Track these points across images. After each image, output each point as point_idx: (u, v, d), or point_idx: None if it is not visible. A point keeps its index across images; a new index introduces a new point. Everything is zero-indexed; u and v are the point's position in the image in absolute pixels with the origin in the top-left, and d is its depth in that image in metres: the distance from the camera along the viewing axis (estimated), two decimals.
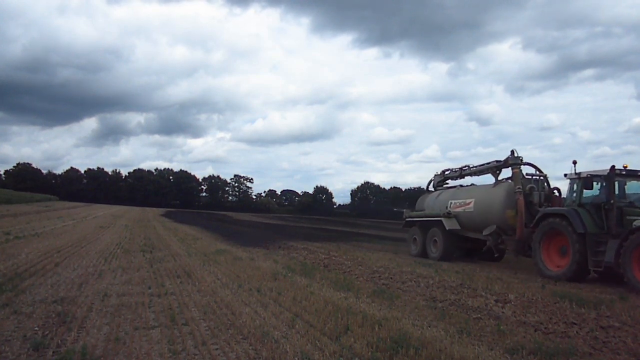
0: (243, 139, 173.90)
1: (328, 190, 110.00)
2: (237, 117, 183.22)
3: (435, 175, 20.60)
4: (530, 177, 15.63)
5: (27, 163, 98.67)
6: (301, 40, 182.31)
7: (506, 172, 16.19)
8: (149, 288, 9.52)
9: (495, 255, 16.60)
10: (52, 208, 47.98)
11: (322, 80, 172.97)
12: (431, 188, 20.72)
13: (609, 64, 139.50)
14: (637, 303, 9.13)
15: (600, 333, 6.88)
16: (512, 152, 15.70)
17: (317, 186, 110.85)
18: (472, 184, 18.42)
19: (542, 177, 15.71)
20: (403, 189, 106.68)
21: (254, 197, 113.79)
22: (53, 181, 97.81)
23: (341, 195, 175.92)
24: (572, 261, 12.19)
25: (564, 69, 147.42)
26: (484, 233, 15.61)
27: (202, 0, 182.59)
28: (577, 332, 6.93)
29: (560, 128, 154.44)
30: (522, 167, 15.61)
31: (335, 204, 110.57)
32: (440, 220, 17.14)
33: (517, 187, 14.83)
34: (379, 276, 11.88)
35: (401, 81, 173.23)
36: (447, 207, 17.46)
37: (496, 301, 8.99)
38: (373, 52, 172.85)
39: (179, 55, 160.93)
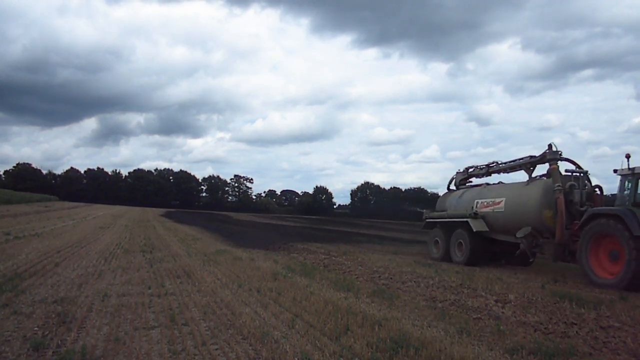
0: (243, 139, 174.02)
1: (328, 190, 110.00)
2: (237, 118, 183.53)
3: (457, 173, 19.22)
4: (569, 173, 14.24)
5: (27, 163, 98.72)
6: (301, 41, 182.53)
7: (539, 169, 15.06)
8: (149, 288, 9.52)
9: (530, 261, 15.26)
10: (52, 208, 47.97)
11: (322, 80, 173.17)
12: (452, 187, 19.37)
13: (608, 65, 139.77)
14: (637, 303, 9.13)
15: (600, 333, 6.88)
16: (550, 146, 14.35)
17: (317, 186, 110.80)
18: (499, 182, 17.18)
19: (582, 174, 14.33)
20: (403, 189, 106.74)
21: (254, 197, 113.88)
22: (53, 181, 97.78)
23: (341, 196, 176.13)
24: (626, 268, 10.85)
25: (563, 69, 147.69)
26: (517, 235, 14.25)
27: (201, 0, 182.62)
28: (577, 332, 6.93)
29: (559, 128, 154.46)
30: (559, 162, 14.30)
31: (335, 204, 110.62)
32: (466, 222, 15.98)
33: (557, 184, 13.52)
34: (379, 276, 11.88)
35: (401, 81, 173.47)
36: (472, 207, 16.23)
37: (496, 301, 8.99)
38: (373, 52, 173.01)
39: (179, 56, 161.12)
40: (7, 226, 22.94)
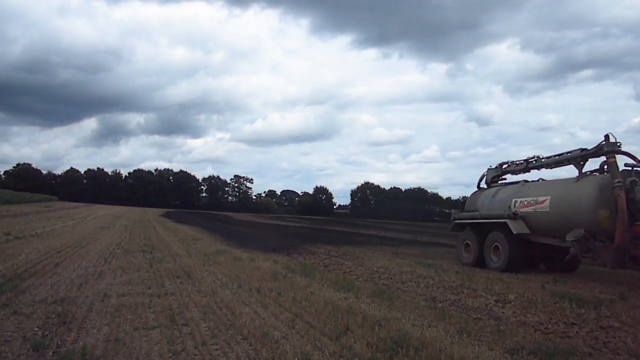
0: (243, 139, 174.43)
1: (328, 190, 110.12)
2: (237, 118, 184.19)
3: (489, 169, 17.50)
4: (629, 168, 12.60)
5: (27, 163, 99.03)
6: (300, 41, 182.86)
7: (591, 164, 13.49)
8: (149, 288, 9.52)
9: (577, 267, 14.16)
10: (52, 208, 47.98)
11: (322, 81, 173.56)
12: (483, 185, 17.61)
13: (607, 65, 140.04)
14: (637, 303, 9.13)
15: (600, 333, 6.88)
16: (607, 136, 12.74)
17: (317, 186, 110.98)
18: (540, 179, 15.41)
19: None
20: (403, 189, 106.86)
21: (254, 197, 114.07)
22: (53, 181, 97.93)
23: (341, 196, 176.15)
24: None
25: (563, 69, 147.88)
26: (567, 239, 12.59)
27: (202, 1, 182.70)
28: (577, 332, 6.93)
29: (559, 128, 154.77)
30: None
31: (335, 205, 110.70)
32: (504, 223, 14.35)
33: (617, 180, 11.92)
34: (379, 276, 11.89)
35: (400, 82, 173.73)
36: (510, 207, 14.63)
37: (496, 301, 8.99)
38: (372, 52, 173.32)
39: (179, 56, 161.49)
40: (7, 226, 22.94)
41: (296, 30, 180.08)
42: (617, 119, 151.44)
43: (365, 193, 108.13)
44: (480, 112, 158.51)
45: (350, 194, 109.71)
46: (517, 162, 16.21)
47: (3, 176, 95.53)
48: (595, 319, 7.73)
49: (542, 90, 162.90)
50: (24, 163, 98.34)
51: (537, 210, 13.87)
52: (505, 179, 17.21)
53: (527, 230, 14.00)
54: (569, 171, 14.29)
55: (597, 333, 6.87)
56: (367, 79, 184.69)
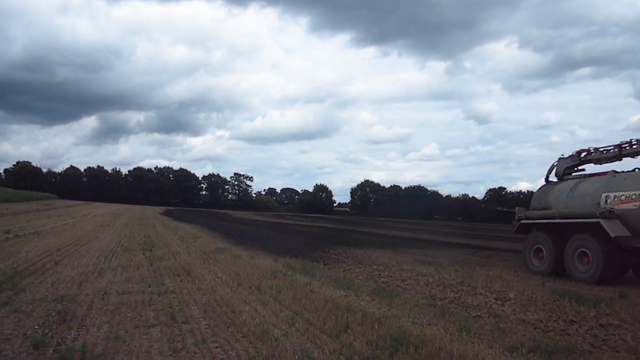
0: (242, 137, 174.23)
1: (328, 188, 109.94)
2: (237, 116, 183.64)
3: (560, 159, 14.74)
4: None
5: (27, 161, 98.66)
6: (300, 39, 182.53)
7: None
8: (149, 286, 9.53)
9: None
10: (52, 206, 47.97)
11: (321, 79, 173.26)
12: (553, 177, 14.93)
13: (606, 63, 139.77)
14: (636, 301, 9.13)
15: (600, 331, 6.89)
16: None
17: (316, 184, 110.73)
18: (636, 169, 12.47)
19: None
20: (403, 187, 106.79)
21: (254, 195, 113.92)
22: (53, 180, 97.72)
23: (341, 194, 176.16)
24: None
25: (561, 67, 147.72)
26: None
27: (201, 0, 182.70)
28: (576, 330, 6.94)
29: (558, 126, 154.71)
30: None
31: (335, 202, 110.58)
32: (594, 224, 11.66)
33: None
34: (379, 274, 11.89)
35: (399, 80, 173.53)
36: (600, 204, 11.98)
37: (496, 299, 8.99)
38: (371, 51, 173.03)
39: (179, 55, 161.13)
40: (7, 224, 22.95)
41: (295, 28, 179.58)
42: (617, 117, 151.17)
43: (365, 191, 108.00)
44: (479, 110, 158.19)
45: (350, 192, 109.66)
46: (605, 149, 13.46)
47: (3, 174, 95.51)
48: (594, 316, 7.74)
49: (541, 88, 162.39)
50: (24, 161, 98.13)
51: None
52: (583, 169, 14.46)
53: (627, 233, 11.34)
54: None
55: (597, 331, 6.88)
56: (366, 77, 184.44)
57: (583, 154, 14.16)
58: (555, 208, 13.44)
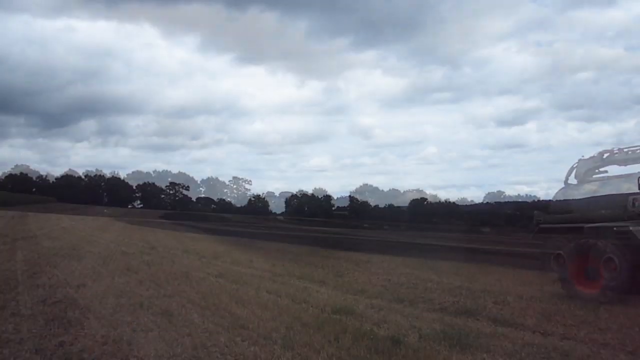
0: (241, 141, 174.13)
1: (326, 192, 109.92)
2: (236, 120, 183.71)
3: (580, 160, 13.71)
4: None
5: (26, 165, 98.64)
6: (299, 44, 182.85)
7: None
8: (147, 290, 9.50)
9: None
10: (50, 210, 47.90)
11: (317, 83, 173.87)
12: (572, 180, 13.93)
13: None
14: (635, 305, 9.14)
15: (599, 335, 6.88)
16: None
17: (315, 188, 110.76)
18: None
19: None
20: (402, 191, 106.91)
21: (252, 198, 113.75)
22: (51, 183, 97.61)
23: (339, 197, 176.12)
24: None
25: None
26: None
27: (201, 3, 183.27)
28: (575, 334, 6.94)
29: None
30: None
31: (334, 206, 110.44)
32: (624, 230, 10.65)
33: None
34: (378, 278, 11.89)
35: (398, 83, 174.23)
36: (627, 207, 11.22)
37: (494, 303, 8.99)
38: (371, 54, 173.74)
39: (179, 59, 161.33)
40: (5, 228, 22.90)
41: (294, 33, 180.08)
42: None
43: (364, 195, 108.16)
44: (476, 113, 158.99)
45: (349, 196, 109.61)
46: (631, 150, 12.45)
47: (1, 178, 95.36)
48: (593, 320, 7.74)
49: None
50: (22, 165, 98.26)
51: None
52: (605, 171, 13.47)
53: None
54: None
55: (596, 335, 6.88)
56: (366, 81, 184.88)
57: (606, 155, 13.24)
58: (576, 212, 12.85)
